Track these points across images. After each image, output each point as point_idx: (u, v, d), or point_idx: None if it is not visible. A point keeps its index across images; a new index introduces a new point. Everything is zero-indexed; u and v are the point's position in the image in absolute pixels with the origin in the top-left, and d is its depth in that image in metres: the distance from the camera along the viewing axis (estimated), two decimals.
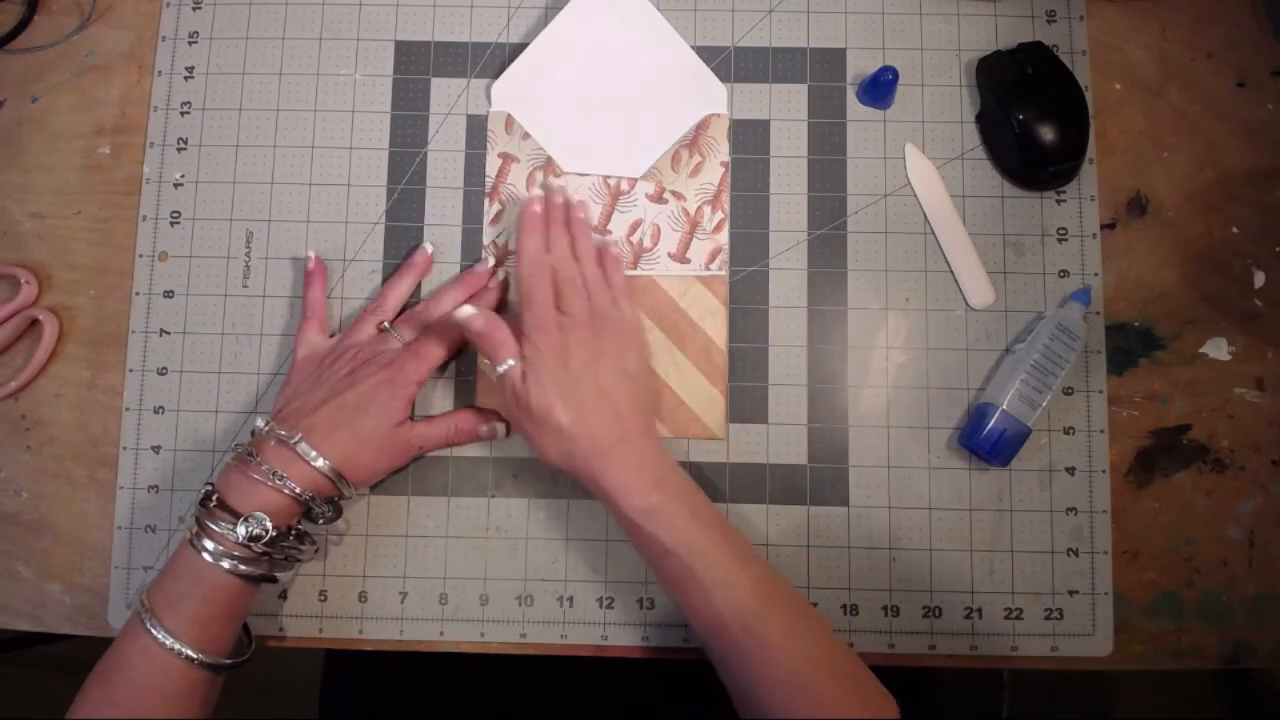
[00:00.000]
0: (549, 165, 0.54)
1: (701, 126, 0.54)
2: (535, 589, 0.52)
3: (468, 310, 0.47)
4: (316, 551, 0.47)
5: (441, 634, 0.51)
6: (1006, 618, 0.51)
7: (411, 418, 0.50)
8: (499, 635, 0.51)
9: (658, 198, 0.54)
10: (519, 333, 0.47)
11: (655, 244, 0.53)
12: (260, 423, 0.47)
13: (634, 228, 0.53)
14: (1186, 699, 1.11)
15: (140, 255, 0.54)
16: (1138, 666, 0.51)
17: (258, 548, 0.44)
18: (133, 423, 0.53)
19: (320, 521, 0.48)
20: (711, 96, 0.54)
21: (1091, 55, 0.55)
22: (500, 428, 0.51)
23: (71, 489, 0.53)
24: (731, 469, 0.52)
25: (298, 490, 0.45)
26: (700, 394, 0.52)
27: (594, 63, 0.55)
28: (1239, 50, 0.55)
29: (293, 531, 0.47)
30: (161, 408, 0.53)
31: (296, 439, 0.45)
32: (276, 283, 0.54)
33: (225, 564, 0.43)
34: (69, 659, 1.17)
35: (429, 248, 0.53)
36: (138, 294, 0.54)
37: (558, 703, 0.60)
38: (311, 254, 0.53)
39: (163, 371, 0.54)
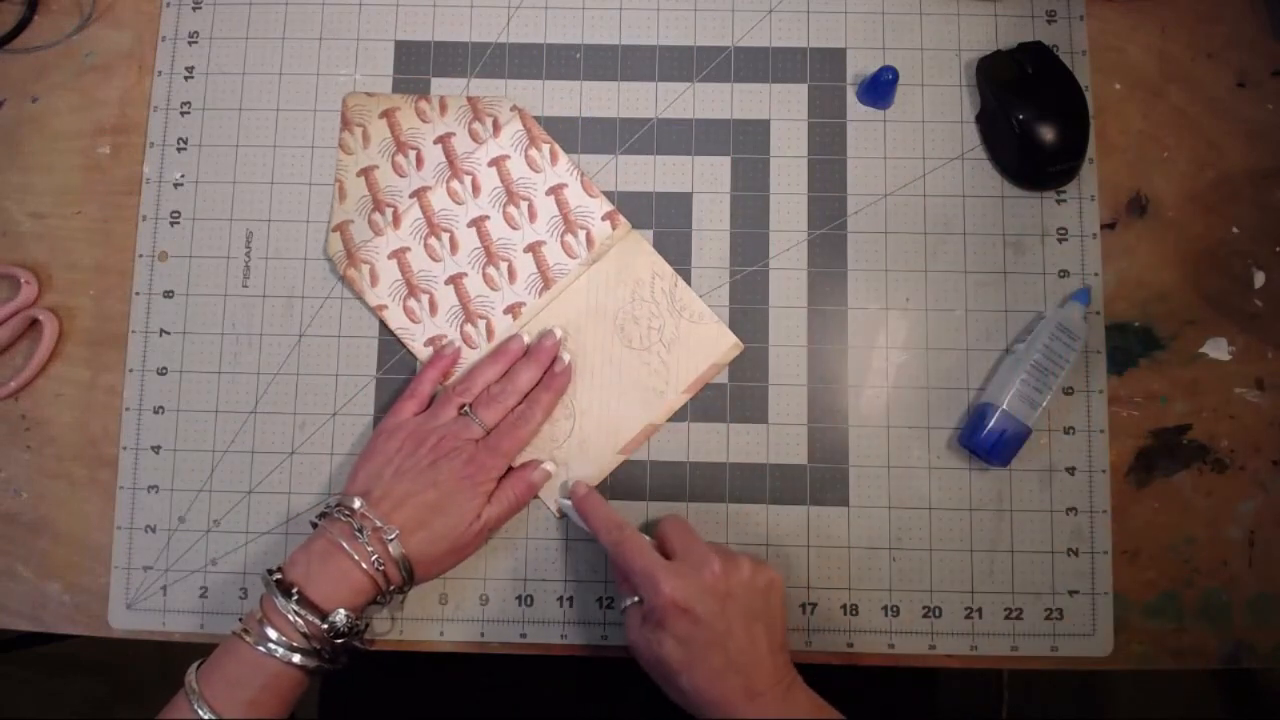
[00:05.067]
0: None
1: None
2: (535, 589, 0.52)
3: (608, 521, 0.47)
4: (372, 644, 0.47)
5: (441, 634, 0.51)
6: (1006, 618, 0.51)
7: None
8: (499, 635, 0.51)
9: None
10: (649, 566, 0.44)
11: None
12: (357, 503, 0.46)
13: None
14: (1186, 699, 1.11)
15: (140, 255, 0.54)
16: (1138, 666, 0.51)
17: (334, 641, 0.43)
18: (133, 423, 0.53)
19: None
20: None
21: (1091, 55, 0.55)
22: (550, 467, 0.51)
23: (71, 489, 0.53)
24: (731, 469, 0.52)
25: (374, 588, 0.45)
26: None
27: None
28: (1239, 50, 0.55)
29: (362, 623, 0.46)
30: (161, 408, 0.53)
31: (393, 535, 0.45)
32: (276, 283, 0.54)
33: (294, 658, 0.42)
34: (69, 659, 1.17)
35: (526, 338, 0.52)
36: (138, 294, 0.54)
37: (558, 703, 0.60)
38: (458, 344, 0.53)
39: (163, 371, 0.54)
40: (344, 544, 0.44)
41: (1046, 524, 0.51)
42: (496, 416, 0.50)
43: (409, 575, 0.46)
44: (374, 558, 0.44)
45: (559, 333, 0.52)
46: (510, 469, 0.51)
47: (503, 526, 0.51)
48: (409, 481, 0.47)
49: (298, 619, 0.43)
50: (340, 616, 0.43)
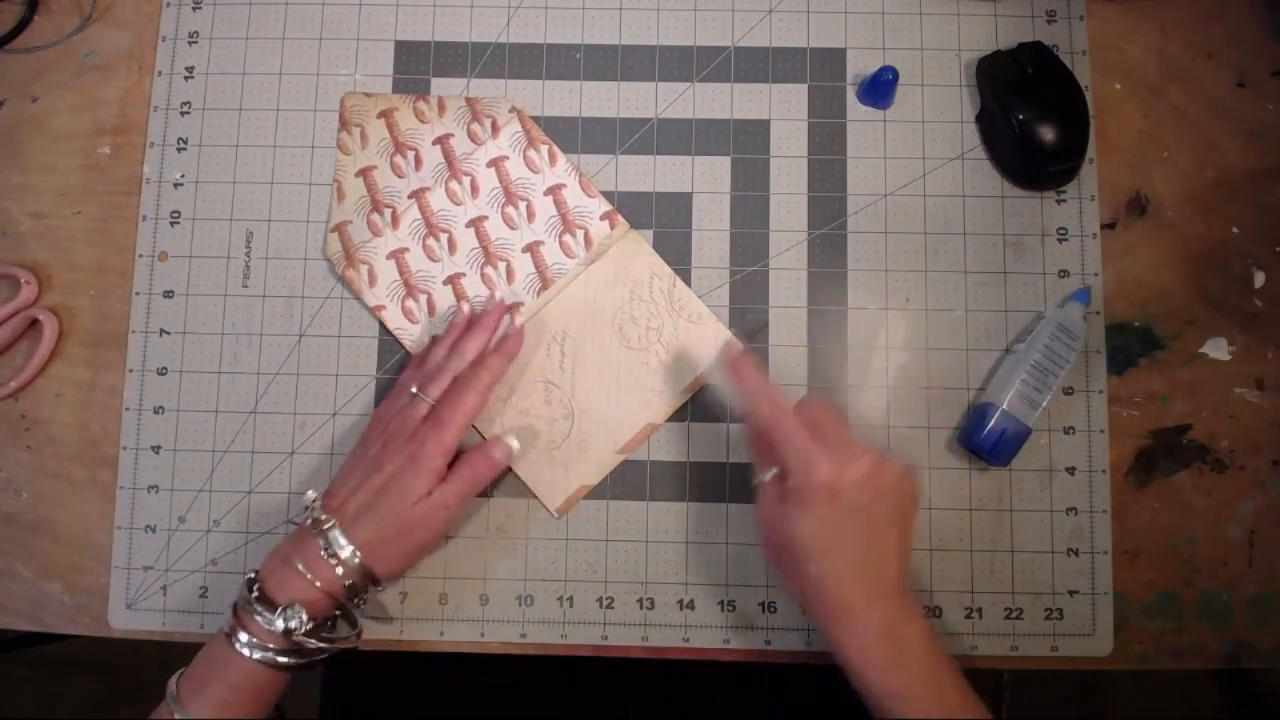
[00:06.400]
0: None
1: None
2: (535, 589, 0.52)
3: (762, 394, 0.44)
4: (359, 636, 0.47)
5: (441, 634, 0.51)
6: (1006, 618, 0.51)
7: None
8: (499, 635, 0.51)
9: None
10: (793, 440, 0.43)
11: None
12: (307, 497, 0.46)
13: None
14: (1186, 699, 1.11)
15: (140, 255, 0.54)
16: (1138, 666, 0.51)
17: (294, 639, 0.43)
18: (133, 423, 0.53)
19: (358, 606, 0.47)
20: None
21: (1091, 55, 0.55)
22: (514, 443, 0.49)
23: (71, 489, 0.53)
24: (731, 468, 0.52)
25: (330, 583, 0.44)
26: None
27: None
28: (1239, 50, 0.55)
29: (328, 621, 0.45)
30: (161, 408, 0.53)
31: (329, 525, 0.44)
32: (276, 283, 0.54)
33: (257, 655, 0.42)
34: (69, 659, 1.17)
35: (466, 308, 0.52)
36: (138, 294, 0.54)
37: (558, 703, 0.60)
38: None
39: (163, 371, 0.54)
40: (291, 542, 0.45)
41: (1046, 524, 0.51)
42: (443, 389, 0.48)
43: (362, 567, 0.45)
44: (322, 553, 0.44)
45: (499, 295, 0.52)
46: (472, 451, 0.49)
47: (469, 507, 0.50)
48: (358, 475, 0.46)
49: (257, 615, 0.43)
50: (292, 613, 0.43)
